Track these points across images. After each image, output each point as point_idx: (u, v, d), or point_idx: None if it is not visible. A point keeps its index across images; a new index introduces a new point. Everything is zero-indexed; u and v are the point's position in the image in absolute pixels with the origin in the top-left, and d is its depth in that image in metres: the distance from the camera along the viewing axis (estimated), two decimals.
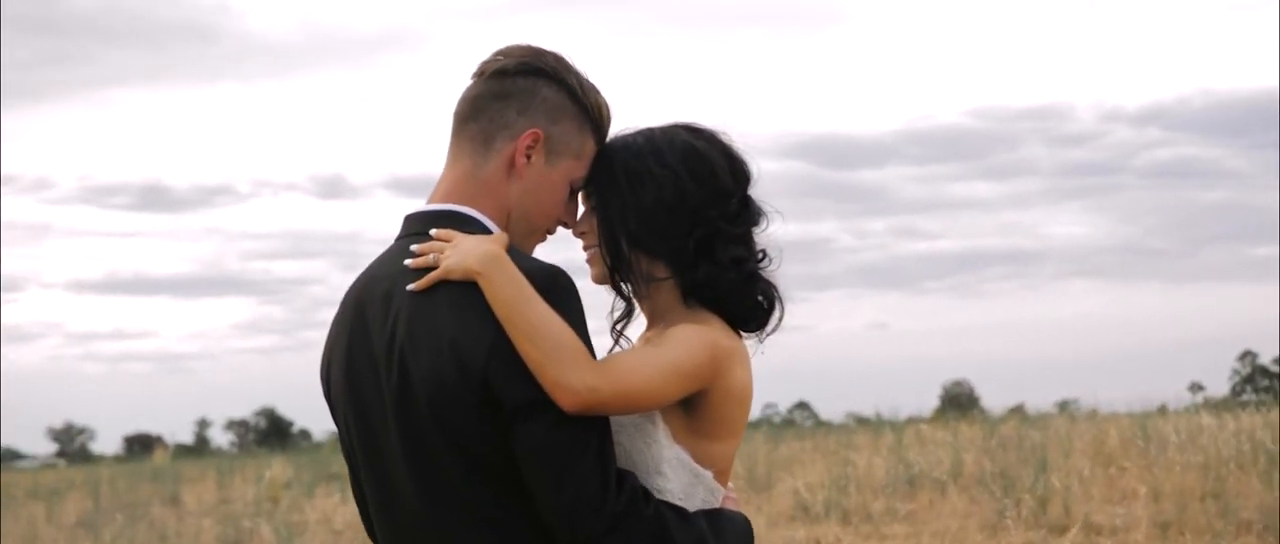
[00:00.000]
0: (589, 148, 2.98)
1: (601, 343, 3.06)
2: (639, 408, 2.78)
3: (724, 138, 3.02)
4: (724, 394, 2.87)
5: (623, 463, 2.83)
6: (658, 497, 2.80)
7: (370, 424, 2.87)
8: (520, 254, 2.82)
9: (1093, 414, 24.24)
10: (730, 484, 2.99)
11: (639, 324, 3.08)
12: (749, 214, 3.00)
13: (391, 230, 3.02)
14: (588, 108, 2.97)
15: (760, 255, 3.01)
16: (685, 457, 2.87)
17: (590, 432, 2.70)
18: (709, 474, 2.89)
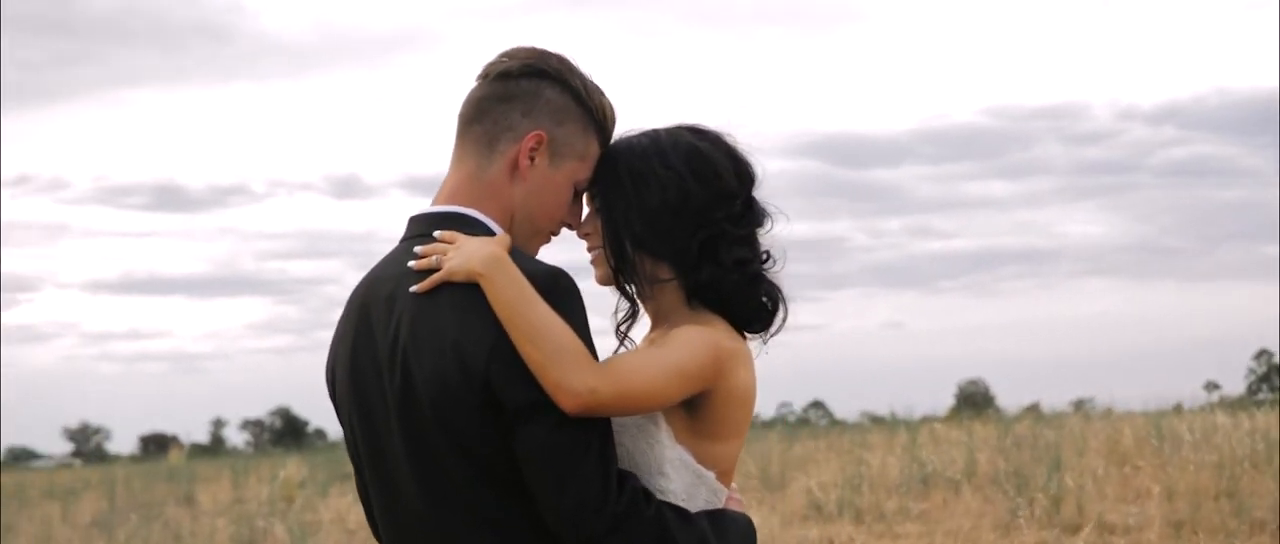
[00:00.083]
0: (593, 149, 2.99)
1: (607, 344, 3.08)
2: (640, 409, 2.78)
3: (728, 139, 3.03)
4: (726, 395, 2.87)
5: (625, 464, 2.84)
6: (660, 497, 2.81)
7: (374, 425, 2.88)
8: (522, 256, 2.82)
9: (1108, 413, 24.21)
10: (734, 485, 2.99)
11: (644, 325, 3.08)
12: (753, 215, 3.00)
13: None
14: (592, 110, 2.97)
15: (764, 257, 3.01)
16: (688, 457, 2.87)
17: (591, 433, 2.70)
18: (712, 475, 2.90)
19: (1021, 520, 12.17)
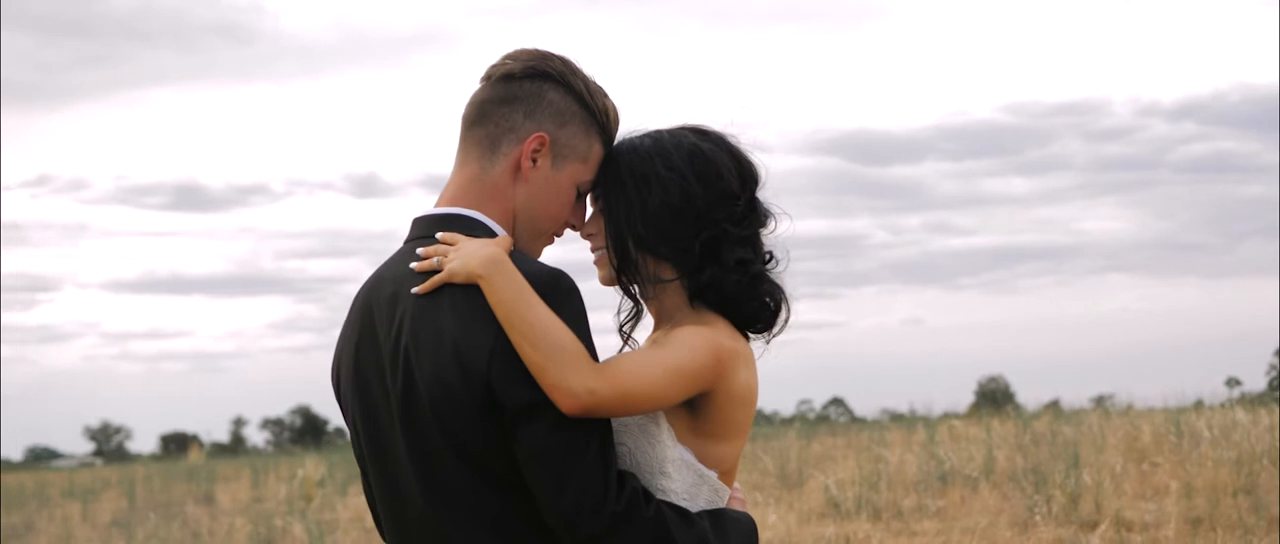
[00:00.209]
0: (596, 151, 2.99)
1: (611, 343, 3.08)
2: (639, 410, 2.79)
3: (732, 140, 3.04)
4: (727, 395, 2.88)
5: (627, 463, 2.85)
6: (662, 497, 2.82)
7: (377, 426, 2.89)
8: (523, 257, 2.83)
9: (1128, 410, 24.15)
10: (736, 484, 3.00)
11: (647, 325, 3.09)
12: (755, 216, 3.01)
13: None
14: (594, 111, 2.98)
15: (767, 257, 3.02)
16: (689, 457, 2.87)
17: (591, 434, 2.71)
18: (714, 474, 2.90)
19: (1039, 518, 12.15)
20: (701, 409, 2.87)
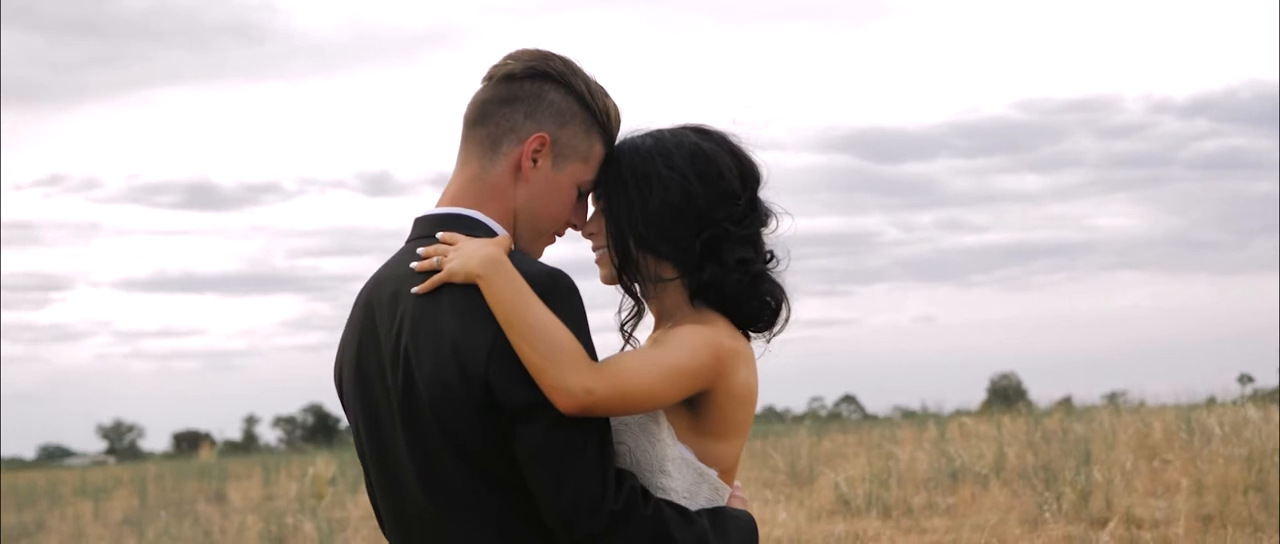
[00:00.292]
0: (597, 151, 3.00)
1: (613, 342, 3.09)
2: (638, 409, 2.79)
3: (733, 139, 3.04)
4: (727, 394, 2.88)
5: (627, 462, 2.85)
6: (662, 496, 2.82)
7: (379, 425, 2.90)
8: (522, 257, 2.84)
9: (1140, 407, 24.11)
10: (737, 482, 3.00)
11: (649, 324, 3.09)
12: (757, 215, 3.01)
13: None
14: (595, 111, 2.98)
15: (768, 256, 3.02)
16: (689, 455, 2.88)
17: (589, 433, 2.71)
18: (713, 473, 2.91)
19: (1048, 515, 12.14)
20: (701, 408, 2.87)
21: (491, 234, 2.90)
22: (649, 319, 3.09)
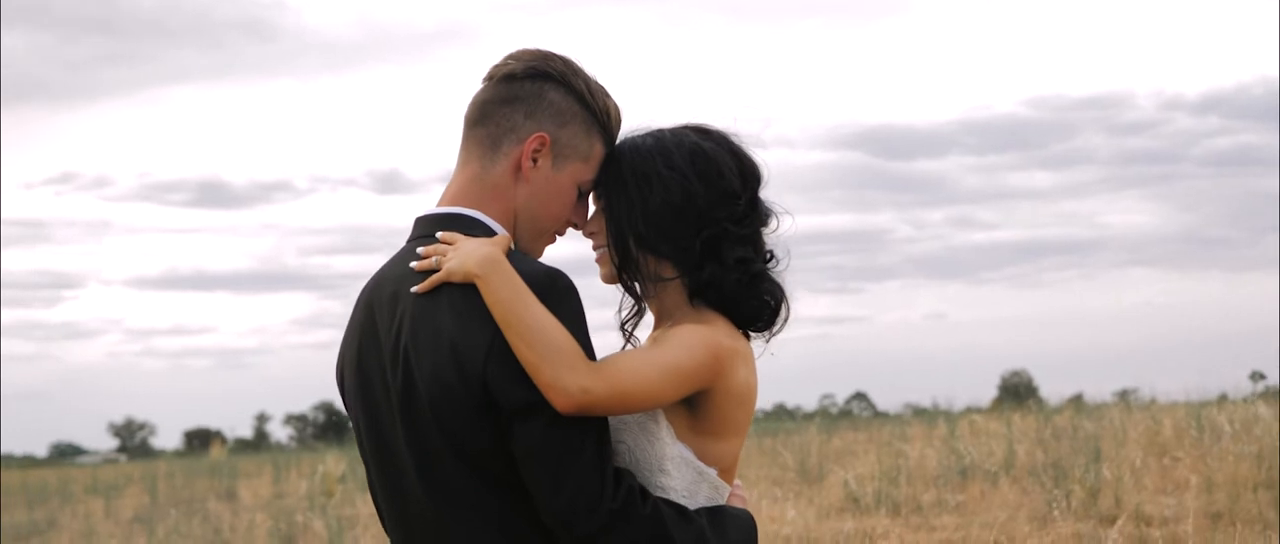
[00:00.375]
0: (598, 151, 3.00)
1: (614, 342, 3.09)
2: (635, 408, 2.79)
3: (734, 139, 3.04)
4: (726, 394, 2.88)
5: (626, 461, 2.86)
6: (661, 494, 2.83)
7: (379, 424, 2.91)
8: (520, 256, 2.84)
9: (1151, 404, 24.07)
10: (737, 481, 3.00)
11: (650, 323, 3.09)
12: (757, 215, 3.02)
13: None
14: (595, 111, 2.99)
15: (768, 256, 3.02)
16: (689, 454, 2.88)
17: (587, 432, 2.72)
18: (713, 471, 2.91)
19: (1057, 513, 12.12)
20: (700, 407, 2.88)
21: (491, 234, 2.91)
22: (650, 318, 3.09)
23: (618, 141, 3.05)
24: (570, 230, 3.07)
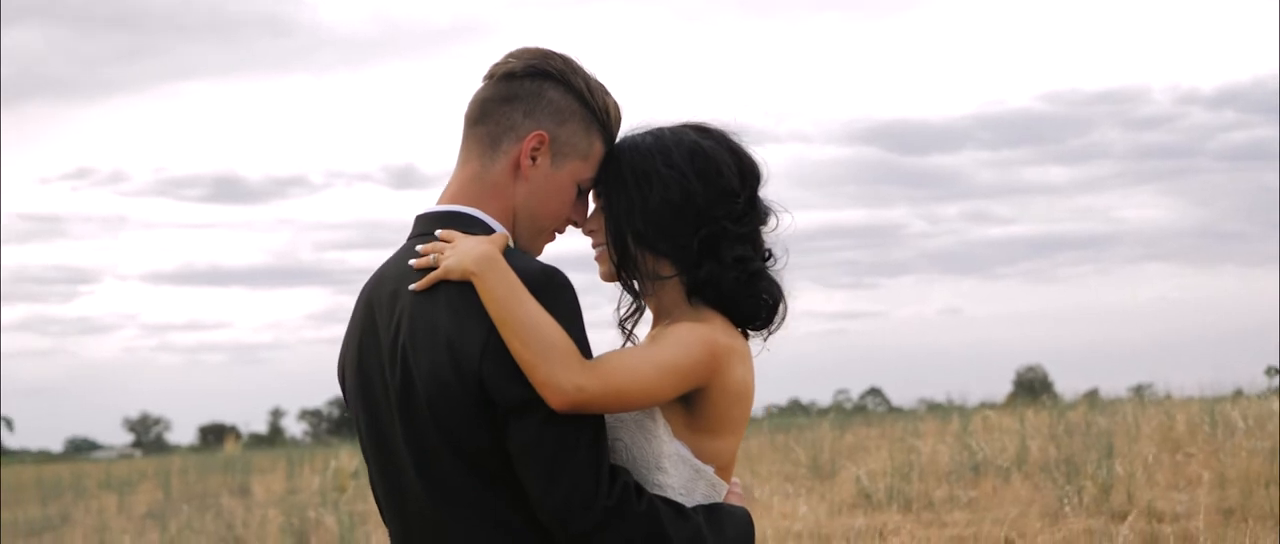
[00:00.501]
0: (597, 149, 3.01)
1: (614, 339, 3.10)
2: (630, 406, 2.79)
3: (733, 137, 3.05)
4: (722, 392, 2.89)
5: (623, 459, 2.86)
6: (659, 492, 2.83)
7: (379, 421, 2.92)
8: (517, 254, 2.85)
9: (1166, 399, 24.03)
10: (735, 479, 3.00)
11: (649, 321, 3.10)
12: (755, 214, 3.02)
13: None
14: (595, 109, 2.99)
15: (767, 255, 3.02)
16: (686, 452, 2.89)
17: (582, 430, 2.72)
18: (710, 469, 2.92)
19: (1069, 509, 12.10)
20: (697, 405, 2.88)
21: (491, 232, 2.92)
22: (650, 316, 3.09)
23: (617, 140, 3.05)
24: (570, 228, 3.07)
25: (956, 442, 18.08)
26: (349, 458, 23.20)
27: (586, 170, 3.00)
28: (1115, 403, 24.52)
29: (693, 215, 2.94)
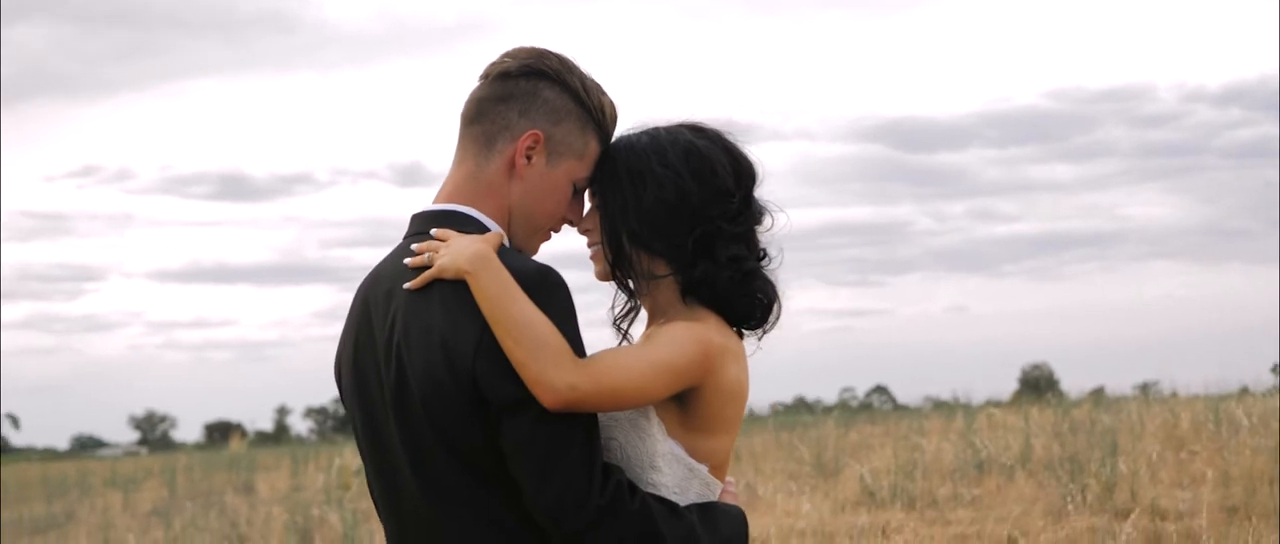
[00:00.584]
0: (592, 148, 3.01)
1: (610, 339, 3.10)
2: (622, 405, 2.80)
3: (728, 137, 3.05)
4: (716, 391, 2.89)
5: (618, 458, 2.86)
6: (653, 491, 2.83)
7: (374, 420, 2.92)
8: (512, 253, 2.85)
9: (1173, 397, 24.01)
10: (729, 478, 3.01)
11: (644, 320, 3.10)
12: (750, 213, 3.03)
13: None
14: (590, 109, 3.00)
15: (761, 254, 3.03)
16: (680, 451, 2.89)
17: (575, 428, 2.73)
18: (704, 468, 2.92)
19: (1072, 507, 12.09)
20: (691, 404, 2.88)
21: (486, 231, 2.91)
22: (645, 315, 3.10)
23: (614, 139, 3.05)
24: (566, 227, 3.08)
25: (961, 440, 18.08)
26: (354, 456, 23.16)
27: (582, 169, 3.00)
28: (1121, 401, 24.49)
29: (687, 215, 2.94)
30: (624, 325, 3.11)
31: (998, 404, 27.54)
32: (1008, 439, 17.66)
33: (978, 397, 30.38)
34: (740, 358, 2.96)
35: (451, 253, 2.80)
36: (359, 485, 19.69)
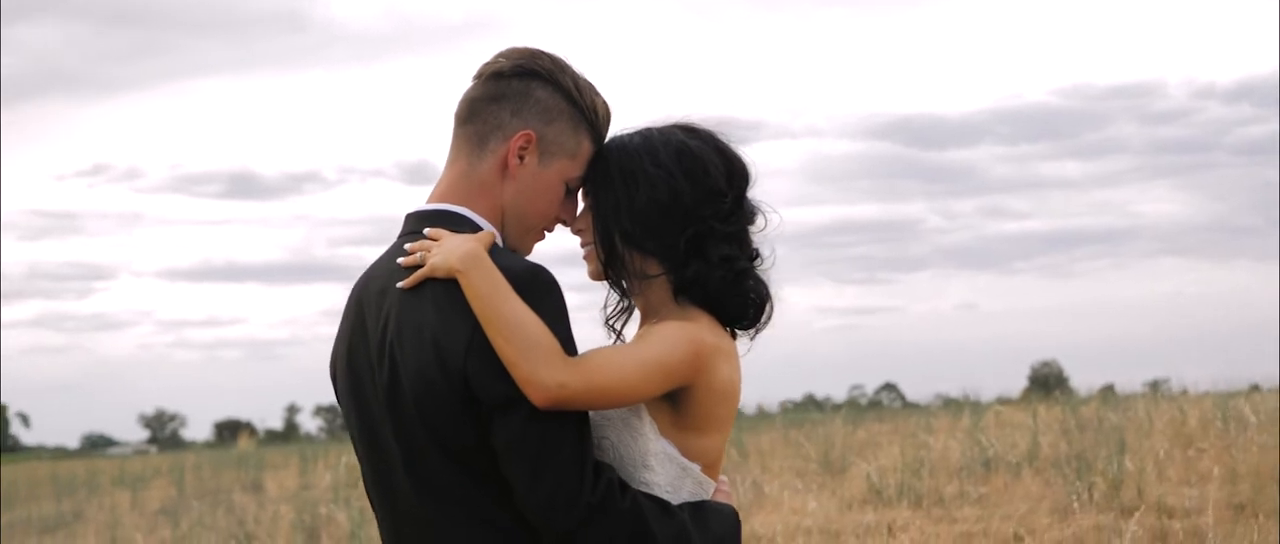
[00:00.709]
0: (585, 148, 3.02)
1: (603, 338, 3.10)
2: (612, 404, 2.81)
3: (721, 138, 3.06)
4: (708, 390, 2.90)
5: (610, 456, 2.87)
6: (645, 490, 2.84)
7: (369, 419, 2.93)
8: (504, 252, 2.86)
9: (1182, 394, 23.95)
10: (722, 477, 3.01)
11: (638, 320, 3.10)
12: (743, 213, 3.03)
13: None
14: (583, 109, 3.00)
15: (754, 254, 3.03)
16: (672, 450, 2.90)
17: (566, 427, 2.73)
18: (696, 467, 2.93)
19: (1078, 505, 12.08)
20: (683, 403, 2.89)
21: (479, 230, 2.92)
22: (638, 315, 3.10)
23: (606, 140, 3.05)
24: (559, 227, 3.08)
25: (968, 437, 18.03)
26: None
27: (574, 169, 3.01)
28: (1129, 398, 24.44)
29: (680, 215, 2.95)
30: (617, 325, 3.12)
31: (1007, 402, 27.50)
32: (1015, 437, 17.63)
33: (987, 394, 30.31)
34: (732, 357, 2.97)
35: (443, 252, 2.81)
36: None
